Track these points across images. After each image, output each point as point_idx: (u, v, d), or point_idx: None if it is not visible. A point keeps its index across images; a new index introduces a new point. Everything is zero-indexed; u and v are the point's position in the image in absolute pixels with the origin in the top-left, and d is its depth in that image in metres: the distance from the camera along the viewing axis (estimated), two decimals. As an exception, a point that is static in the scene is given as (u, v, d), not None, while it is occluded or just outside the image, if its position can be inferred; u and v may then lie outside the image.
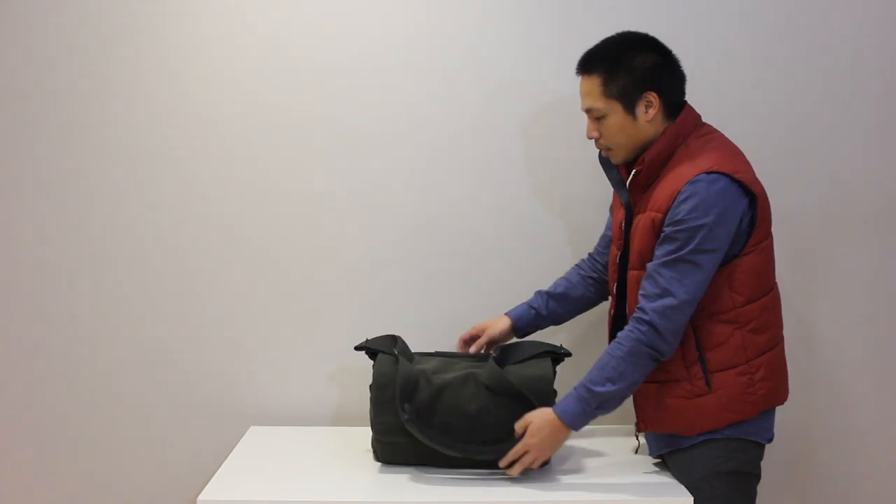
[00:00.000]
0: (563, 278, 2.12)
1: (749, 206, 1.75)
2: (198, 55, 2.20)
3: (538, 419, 1.80)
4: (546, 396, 1.88)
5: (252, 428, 2.21)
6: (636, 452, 2.01)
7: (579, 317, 2.25)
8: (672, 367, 1.81)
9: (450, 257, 2.25)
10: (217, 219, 2.24)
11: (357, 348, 1.98)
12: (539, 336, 2.09)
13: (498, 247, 2.25)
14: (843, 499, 2.33)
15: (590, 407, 1.77)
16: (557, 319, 2.10)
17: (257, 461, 1.97)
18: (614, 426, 2.21)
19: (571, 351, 1.99)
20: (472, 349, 2.05)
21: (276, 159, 2.24)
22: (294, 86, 2.21)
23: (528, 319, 2.07)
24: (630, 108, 1.79)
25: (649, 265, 1.77)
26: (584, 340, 2.26)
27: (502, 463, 1.81)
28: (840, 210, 2.26)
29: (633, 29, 1.88)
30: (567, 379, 2.23)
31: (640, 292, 1.76)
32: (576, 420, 1.78)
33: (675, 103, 1.83)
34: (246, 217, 2.25)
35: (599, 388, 1.75)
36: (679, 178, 1.75)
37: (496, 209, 2.25)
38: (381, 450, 1.92)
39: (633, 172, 1.84)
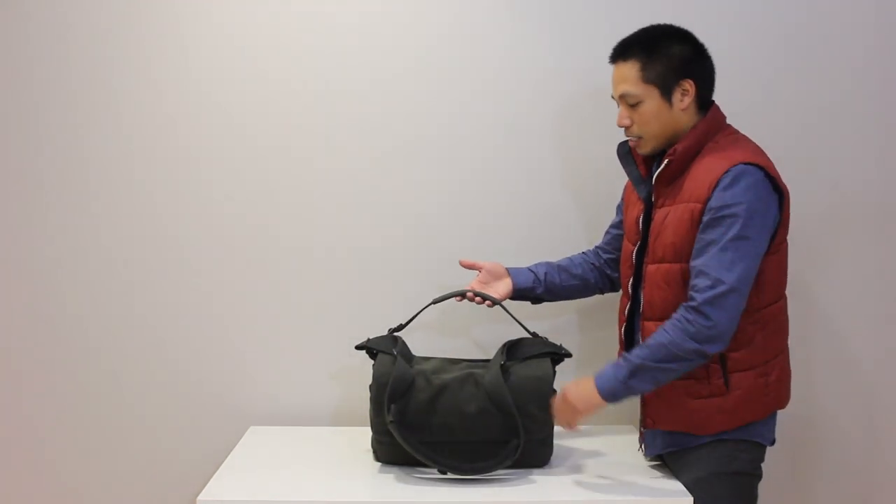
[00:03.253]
0: (565, 258, 2.13)
1: (780, 203, 1.76)
2: (201, 53, 2.21)
3: (578, 383, 1.79)
4: (545, 396, 1.88)
5: (252, 428, 2.21)
6: (640, 449, 1.99)
7: (582, 318, 2.26)
8: None
9: (452, 258, 2.25)
10: (217, 219, 2.25)
11: (358, 347, 1.98)
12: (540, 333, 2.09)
13: (501, 249, 2.25)
14: (844, 498, 2.33)
15: (622, 374, 1.72)
16: (551, 289, 2.07)
17: (257, 461, 1.97)
18: (614, 426, 2.21)
19: (572, 352, 1.98)
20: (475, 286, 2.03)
21: (276, 160, 2.24)
22: (296, 87, 2.22)
23: (524, 278, 2.05)
24: (667, 93, 1.78)
25: (695, 262, 1.72)
26: (585, 341, 2.26)
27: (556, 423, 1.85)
28: (840, 211, 2.26)
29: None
30: (568, 379, 2.23)
31: (691, 290, 1.71)
32: (606, 384, 1.73)
33: (706, 97, 1.83)
34: (246, 217, 2.25)
35: (636, 359, 1.72)
36: (713, 168, 1.74)
37: (500, 211, 2.26)
38: (381, 450, 1.92)
39: (664, 163, 1.80)
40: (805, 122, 2.24)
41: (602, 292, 2.13)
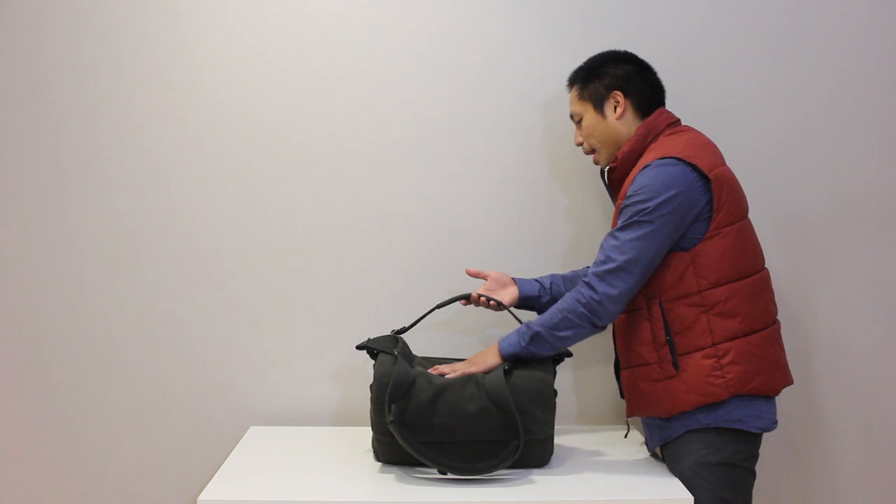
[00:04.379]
0: (572, 270, 2.16)
1: (705, 190, 1.81)
2: (205, 56, 2.21)
3: (486, 352, 1.95)
4: (546, 397, 1.88)
5: (252, 428, 2.21)
6: (626, 437, 2.09)
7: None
8: (644, 351, 1.87)
9: (452, 259, 2.25)
10: (217, 220, 2.25)
11: (358, 348, 1.98)
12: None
13: (502, 250, 2.25)
14: (842, 494, 2.33)
15: (524, 340, 1.89)
16: (557, 299, 2.06)
17: (257, 461, 1.97)
18: (613, 426, 2.21)
19: (573, 352, 1.99)
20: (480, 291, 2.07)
21: (277, 161, 2.24)
22: (299, 88, 2.22)
23: (530, 287, 2.09)
24: (599, 106, 1.96)
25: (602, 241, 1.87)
26: (585, 341, 2.26)
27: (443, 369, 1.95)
28: (841, 209, 2.27)
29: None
30: (568, 379, 2.24)
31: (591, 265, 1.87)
32: (506, 346, 1.91)
33: (646, 107, 1.95)
34: (246, 217, 2.25)
35: (535, 327, 1.88)
36: (640, 167, 1.85)
37: (501, 213, 2.26)
38: (381, 450, 1.92)
39: (607, 169, 1.96)
40: (805, 121, 2.24)
41: None
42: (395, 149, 2.24)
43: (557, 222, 2.26)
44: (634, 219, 1.80)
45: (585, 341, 2.23)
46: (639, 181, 1.81)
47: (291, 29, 2.21)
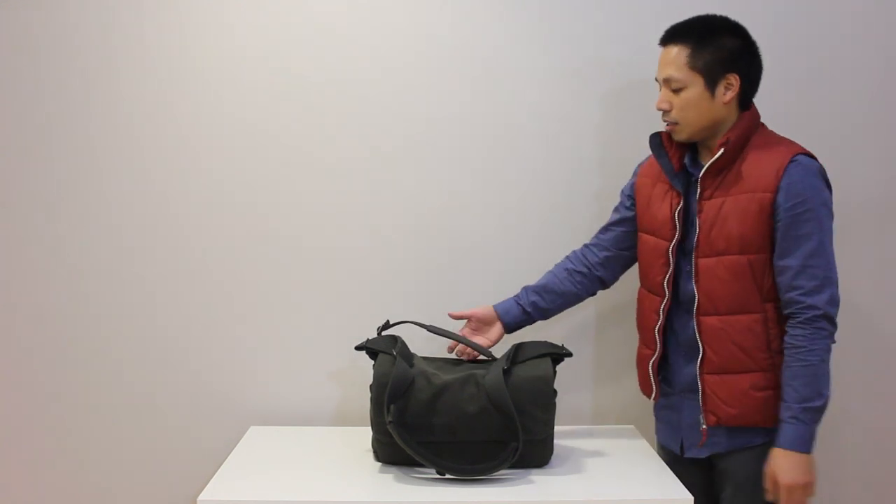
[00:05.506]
0: (548, 272, 2.10)
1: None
2: (206, 53, 2.21)
3: (778, 465, 1.77)
4: (546, 397, 1.87)
5: (252, 428, 2.21)
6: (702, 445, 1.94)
7: (583, 318, 2.26)
8: (757, 356, 1.80)
9: (452, 259, 2.25)
10: (217, 220, 2.25)
11: (357, 348, 1.98)
12: (540, 334, 2.08)
13: (501, 250, 2.25)
14: (844, 494, 2.33)
15: (814, 423, 1.76)
16: (544, 313, 2.07)
17: (257, 461, 1.97)
18: (614, 426, 2.21)
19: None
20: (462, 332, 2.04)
21: (277, 160, 2.24)
22: (298, 85, 2.22)
23: (514, 316, 2.04)
24: (712, 84, 1.79)
25: (789, 260, 1.75)
26: (587, 341, 2.26)
27: None
28: (840, 209, 2.26)
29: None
30: (568, 379, 2.24)
31: (795, 293, 1.74)
32: (804, 444, 1.76)
33: (749, 95, 1.84)
34: (246, 217, 2.25)
35: (818, 403, 1.75)
36: (773, 156, 1.77)
37: (499, 212, 2.25)
38: (381, 450, 1.92)
39: (719, 153, 1.78)
40: (805, 119, 2.24)
41: (593, 294, 2.11)
42: (393, 150, 2.24)
43: (558, 222, 2.25)
44: (827, 225, 1.74)
45: (585, 341, 2.25)
46: (810, 179, 1.74)
47: (294, 31, 2.20)
